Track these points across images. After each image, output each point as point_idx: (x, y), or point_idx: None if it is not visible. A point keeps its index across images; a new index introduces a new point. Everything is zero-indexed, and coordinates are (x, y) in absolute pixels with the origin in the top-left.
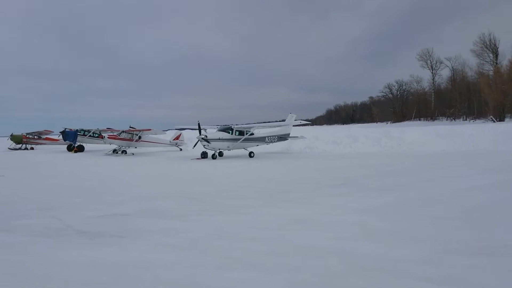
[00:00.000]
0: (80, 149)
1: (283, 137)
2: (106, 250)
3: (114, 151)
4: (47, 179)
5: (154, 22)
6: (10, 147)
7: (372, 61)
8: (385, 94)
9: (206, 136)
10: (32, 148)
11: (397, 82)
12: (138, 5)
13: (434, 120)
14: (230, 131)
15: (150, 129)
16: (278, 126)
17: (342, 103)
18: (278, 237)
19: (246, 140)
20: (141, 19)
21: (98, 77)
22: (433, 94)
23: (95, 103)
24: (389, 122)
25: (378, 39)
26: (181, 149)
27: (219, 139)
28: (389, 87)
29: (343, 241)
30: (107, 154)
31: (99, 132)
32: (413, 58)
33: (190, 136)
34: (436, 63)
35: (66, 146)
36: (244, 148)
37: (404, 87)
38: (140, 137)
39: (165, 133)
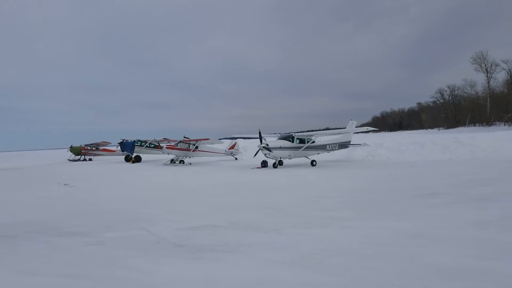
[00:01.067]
0: (137, 159)
1: (344, 145)
2: (216, 266)
3: (172, 161)
4: (118, 189)
5: (200, 36)
6: (69, 159)
7: (419, 67)
8: (436, 99)
9: (268, 145)
10: (90, 159)
11: (449, 87)
12: (184, 21)
13: (490, 126)
14: (291, 139)
15: (208, 139)
16: (339, 133)
17: (388, 110)
18: (403, 255)
19: (307, 148)
20: (186, 34)
21: (147, 91)
22: (488, 98)
23: (144, 115)
24: (441, 128)
25: (424, 43)
26: (236, 158)
27: (280, 147)
28: (440, 92)
29: (487, 260)
30: (165, 164)
31: (158, 142)
32: (463, 62)
33: (244, 145)
34: (491, 66)
35: (123, 157)
36: (306, 157)
37: (456, 92)
38: (197, 147)
39: (222, 142)
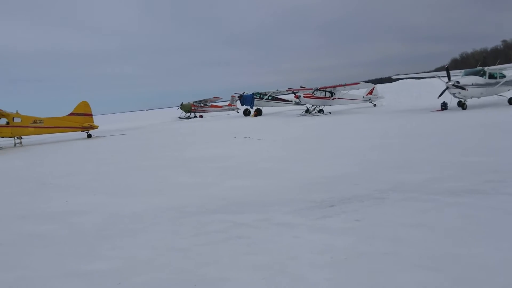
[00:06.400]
0: (259, 112)
1: None
2: None
3: (307, 111)
4: (334, 139)
5: None
6: (180, 116)
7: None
8: None
9: (458, 82)
10: (201, 116)
11: None
12: None
13: None
14: (483, 74)
15: (357, 83)
16: None
17: (469, 51)
18: None
19: (503, 84)
20: None
21: (206, 50)
22: None
23: (206, 74)
24: None
25: None
26: (375, 105)
27: (472, 84)
28: None
29: None
30: (301, 115)
31: (293, 92)
32: None
33: (380, 89)
34: None
35: (241, 111)
36: (498, 94)
37: None
38: (334, 94)
39: (374, 86)
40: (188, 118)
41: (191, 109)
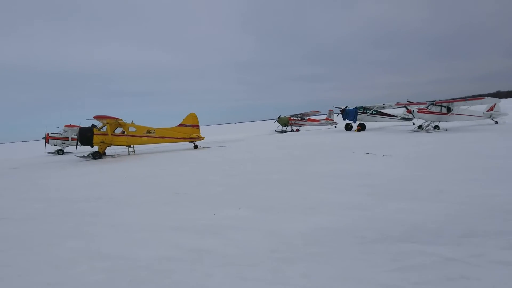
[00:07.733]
0: (362, 127)
1: None
2: None
3: (420, 127)
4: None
5: (346, 3)
6: (277, 130)
7: None
8: None
9: None
10: (297, 130)
11: None
12: None
13: None
14: None
15: (482, 97)
16: None
17: None
18: None
19: None
20: (331, 3)
21: (297, 65)
22: None
23: (295, 88)
24: None
25: None
26: (496, 122)
27: None
28: None
29: None
30: (413, 131)
31: (405, 106)
32: None
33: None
34: None
35: (340, 125)
36: None
37: None
38: (451, 110)
39: (496, 101)
40: (285, 131)
41: (288, 122)
